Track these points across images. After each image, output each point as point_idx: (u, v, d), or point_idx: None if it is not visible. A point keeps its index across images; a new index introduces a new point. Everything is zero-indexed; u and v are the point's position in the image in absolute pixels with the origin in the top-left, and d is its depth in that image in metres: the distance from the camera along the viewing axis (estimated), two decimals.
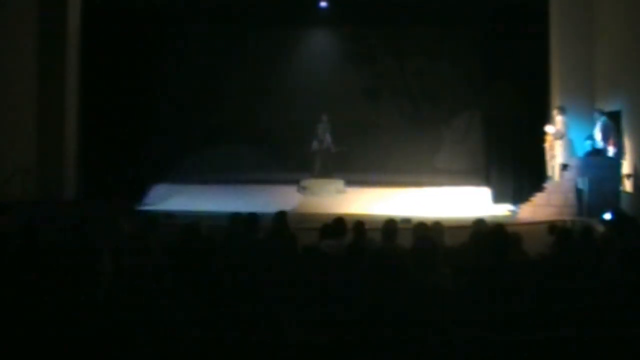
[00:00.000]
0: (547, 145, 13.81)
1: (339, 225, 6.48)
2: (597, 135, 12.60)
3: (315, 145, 15.58)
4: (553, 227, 7.48)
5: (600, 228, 8.79)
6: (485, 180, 15.79)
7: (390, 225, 6.24)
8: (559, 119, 13.54)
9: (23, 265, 5.10)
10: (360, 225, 6.44)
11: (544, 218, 11.83)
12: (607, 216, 9.91)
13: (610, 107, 12.94)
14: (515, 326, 4.09)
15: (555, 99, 14.43)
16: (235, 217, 6.86)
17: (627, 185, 12.27)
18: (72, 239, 5.92)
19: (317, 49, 16.97)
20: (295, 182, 15.21)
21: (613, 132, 12.49)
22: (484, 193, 15.13)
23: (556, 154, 13.53)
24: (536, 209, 12.97)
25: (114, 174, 15.43)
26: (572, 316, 4.31)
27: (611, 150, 12.46)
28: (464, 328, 4.00)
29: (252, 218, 6.74)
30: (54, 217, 10.46)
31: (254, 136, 16.73)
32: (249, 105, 16.79)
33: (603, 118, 12.60)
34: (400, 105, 16.97)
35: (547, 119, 14.45)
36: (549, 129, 13.70)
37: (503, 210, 14.31)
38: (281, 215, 7.01)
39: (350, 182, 15.19)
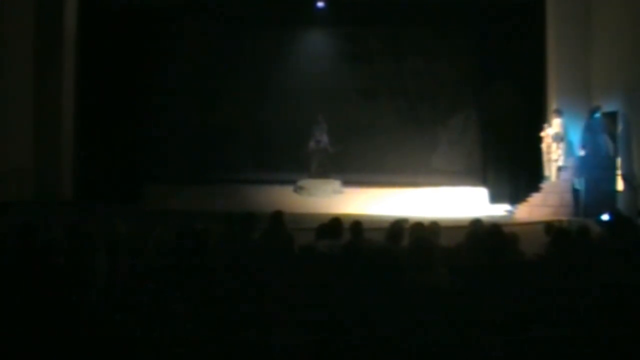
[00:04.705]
0: (544, 146, 13.83)
1: (335, 225, 6.47)
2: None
3: (312, 145, 15.55)
4: (549, 228, 7.46)
5: (597, 228, 8.79)
6: (482, 181, 15.79)
7: (397, 227, 6.21)
8: (556, 121, 13.55)
9: (20, 265, 5.09)
10: (357, 225, 6.44)
11: (540, 218, 11.82)
12: (605, 217, 9.91)
13: (607, 107, 12.95)
14: (512, 326, 4.10)
15: (552, 99, 14.44)
16: (232, 217, 6.85)
17: (623, 186, 12.29)
18: (68, 239, 5.91)
19: (314, 49, 16.95)
20: (292, 182, 15.20)
21: (591, 132, 12.55)
22: (480, 193, 15.13)
23: (553, 155, 13.54)
24: (533, 209, 12.99)
25: (111, 174, 15.41)
26: (568, 316, 4.32)
27: (581, 151, 12.55)
28: (461, 328, 4.00)
29: (248, 218, 6.74)
30: (51, 218, 10.44)
31: (251, 136, 16.73)
32: (246, 106, 16.77)
33: (595, 115, 12.64)
34: (397, 106, 16.94)
35: (544, 119, 14.46)
36: (548, 131, 13.72)
37: (500, 210, 14.32)
38: (278, 215, 6.99)
39: (347, 183, 15.17)
